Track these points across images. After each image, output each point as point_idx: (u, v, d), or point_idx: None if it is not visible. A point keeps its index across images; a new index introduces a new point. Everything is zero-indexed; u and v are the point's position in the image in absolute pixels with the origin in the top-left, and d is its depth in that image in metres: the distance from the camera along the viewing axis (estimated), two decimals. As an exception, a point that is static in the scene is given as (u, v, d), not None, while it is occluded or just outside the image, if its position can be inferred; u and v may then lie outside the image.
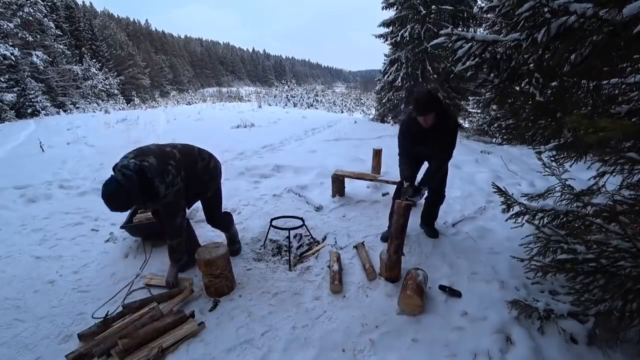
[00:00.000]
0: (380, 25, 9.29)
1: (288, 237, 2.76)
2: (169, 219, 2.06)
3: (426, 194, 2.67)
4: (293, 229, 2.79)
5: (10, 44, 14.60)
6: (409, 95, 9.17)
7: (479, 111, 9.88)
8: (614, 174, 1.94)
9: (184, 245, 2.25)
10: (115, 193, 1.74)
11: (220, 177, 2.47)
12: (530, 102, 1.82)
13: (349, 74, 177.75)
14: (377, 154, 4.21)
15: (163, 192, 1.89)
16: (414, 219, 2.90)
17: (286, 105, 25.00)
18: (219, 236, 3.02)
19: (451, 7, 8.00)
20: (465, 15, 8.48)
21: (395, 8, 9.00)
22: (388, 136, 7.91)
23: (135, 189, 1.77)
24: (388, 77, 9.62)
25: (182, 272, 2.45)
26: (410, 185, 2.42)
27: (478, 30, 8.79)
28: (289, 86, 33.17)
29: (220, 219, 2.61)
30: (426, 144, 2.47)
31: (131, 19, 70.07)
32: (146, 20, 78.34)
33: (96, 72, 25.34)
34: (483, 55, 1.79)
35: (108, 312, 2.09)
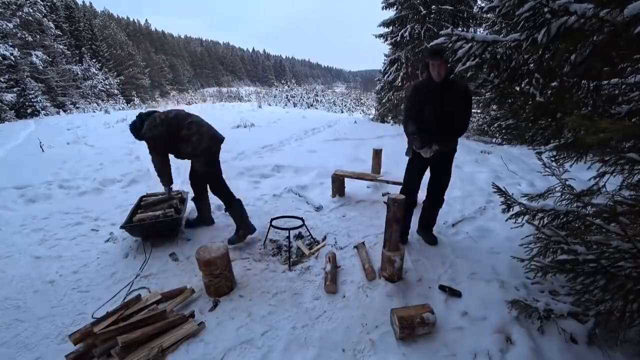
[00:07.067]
0: (380, 25, 9.29)
1: (288, 237, 2.76)
2: (150, 151, 2.78)
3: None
4: (293, 229, 2.80)
5: (10, 44, 14.62)
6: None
7: (479, 111, 9.87)
8: (614, 174, 1.93)
9: (164, 172, 2.89)
10: (130, 125, 2.83)
11: (206, 156, 2.78)
12: (530, 102, 1.81)
13: (349, 74, 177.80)
14: (377, 154, 4.21)
15: (144, 130, 2.72)
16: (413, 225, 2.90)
17: (286, 105, 25.01)
18: (220, 236, 3.02)
19: (451, 7, 8.01)
20: (465, 15, 8.49)
21: (395, 8, 9.00)
22: (388, 136, 7.91)
23: (137, 123, 2.80)
24: (388, 77, 9.63)
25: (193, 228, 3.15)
26: (419, 137, 2.39)
27: (478, 30, 8.78)
28: (288, 86, 33.22)
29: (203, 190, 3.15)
30: (437, 104, 2.36)
31: (131, 19, 70.09)
32: (146, 20, 78.32)
33: (96, 72, 25.38)
34: (483, 56, 1.79)
35: (108, 312, 2.09)
